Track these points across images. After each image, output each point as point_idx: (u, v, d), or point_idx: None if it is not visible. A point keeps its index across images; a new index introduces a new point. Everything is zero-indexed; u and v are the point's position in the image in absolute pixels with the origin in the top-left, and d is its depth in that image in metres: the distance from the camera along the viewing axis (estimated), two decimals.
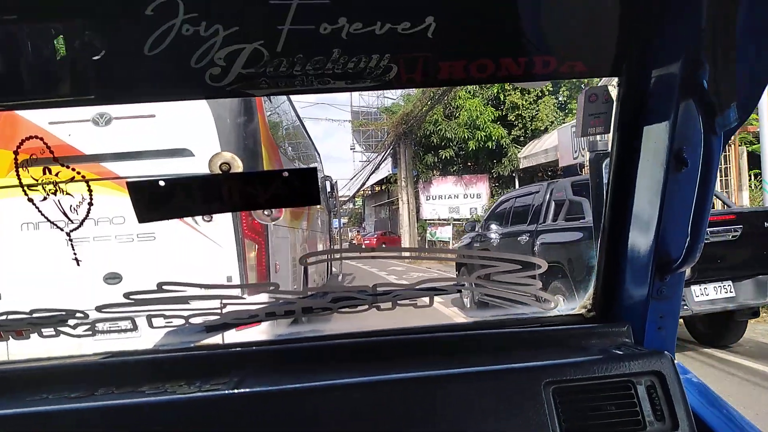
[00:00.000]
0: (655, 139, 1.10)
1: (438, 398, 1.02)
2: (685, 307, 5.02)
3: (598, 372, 1.05)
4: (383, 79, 0.98)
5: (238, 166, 1.04)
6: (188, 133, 4.43)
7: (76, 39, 0.91)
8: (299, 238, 7.42)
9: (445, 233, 23.55)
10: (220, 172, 1.02)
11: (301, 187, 1.06)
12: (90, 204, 1.19)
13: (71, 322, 1.20)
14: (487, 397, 1.01)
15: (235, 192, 1.02)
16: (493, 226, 7.64)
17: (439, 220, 24.49)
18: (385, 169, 27.76)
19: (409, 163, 23.41)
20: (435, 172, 24.78)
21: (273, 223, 5.04)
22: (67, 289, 3.68)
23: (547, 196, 6.72)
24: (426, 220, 24.71)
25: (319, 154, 10.20)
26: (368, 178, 28.44)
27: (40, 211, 1.14)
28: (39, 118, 4.09)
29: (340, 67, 0.96)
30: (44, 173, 1.12)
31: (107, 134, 4.38)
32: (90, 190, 1.22)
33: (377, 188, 36.65)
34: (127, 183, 0.97)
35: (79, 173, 1.19)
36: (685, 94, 1.00)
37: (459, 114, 21.64)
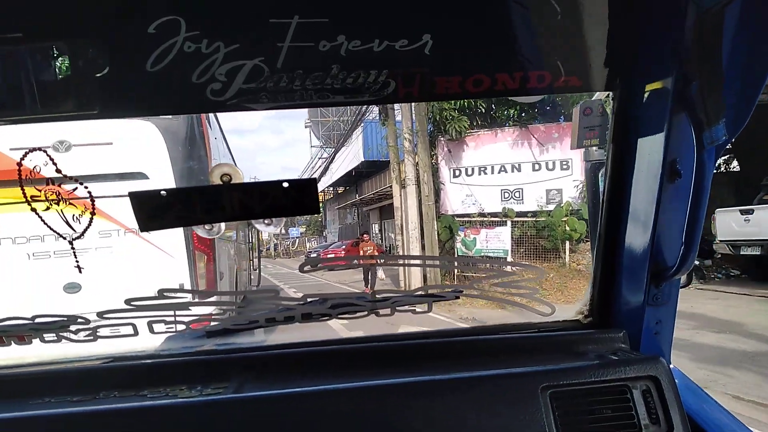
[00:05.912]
0: (649, 150, 1.12)
1: (436, 403, 1.03)
2: None
3: (595, 377, 1.07)
4: (381, 94, 1.01)
5: (239, 177, 1.05)
6: (143, 158, 4.82)
7: (80, 56, 0.93)
8: (233, 248, 7.99)
9: (499, 243, 11.71)
10: (221, 183, 1.04)
11: (300, 197, 1.06)
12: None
13: (73, 327, 1.21)
14: (484, 402, 1.03)
15: (235, 202, 1.03)
16: None
17: (479, 215, 12.76)
18: (354, 153, 17.68)
19: (418, 106, 11.43)
20: (475, 123, 12.93)
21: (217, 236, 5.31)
22: (29, 298, 4.39)
23: None
24: (453, 216, 12.92)
25: (234, 161, 10.49)
26: (332, 159, 21.07)
27: None
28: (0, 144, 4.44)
29: (339, 82, 0.98)
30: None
31: (67, 159, 4.70)
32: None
33: (340, 189, 29.03)
34: (129, 193, 0.98)
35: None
36: (677, 108, 1.02)
37: None
